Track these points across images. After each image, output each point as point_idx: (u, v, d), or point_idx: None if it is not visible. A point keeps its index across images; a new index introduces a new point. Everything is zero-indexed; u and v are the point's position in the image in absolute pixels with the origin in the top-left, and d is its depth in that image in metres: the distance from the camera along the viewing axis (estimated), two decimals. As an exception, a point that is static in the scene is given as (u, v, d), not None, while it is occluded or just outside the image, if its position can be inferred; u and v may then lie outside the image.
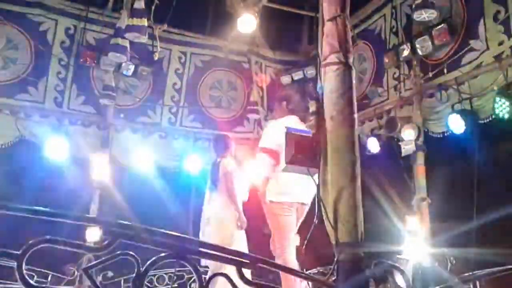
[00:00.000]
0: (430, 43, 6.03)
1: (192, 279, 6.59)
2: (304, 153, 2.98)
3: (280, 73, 8.44)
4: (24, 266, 1.95)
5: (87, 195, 7.04)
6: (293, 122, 4.15)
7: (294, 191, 4.12)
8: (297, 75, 8.15)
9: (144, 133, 7.78)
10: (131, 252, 2.12)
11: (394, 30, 7.03)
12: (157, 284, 6.67)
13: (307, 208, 4.24)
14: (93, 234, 5.69)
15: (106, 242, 2.09)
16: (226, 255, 2.22)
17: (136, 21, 6.23)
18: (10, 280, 6.13)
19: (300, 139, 3.05)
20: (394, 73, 6.98)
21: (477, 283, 3.60)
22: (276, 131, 4.01)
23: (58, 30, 7.28)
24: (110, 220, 2.13)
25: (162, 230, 2.13)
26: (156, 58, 7.07)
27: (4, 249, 2.01)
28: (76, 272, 6.22)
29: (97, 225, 2.18)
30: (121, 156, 7.56)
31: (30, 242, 1.97)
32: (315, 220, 2.81)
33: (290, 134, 3.11)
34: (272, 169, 4.09)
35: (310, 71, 7.97)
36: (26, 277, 1.94)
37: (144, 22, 6.29)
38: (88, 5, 7.35)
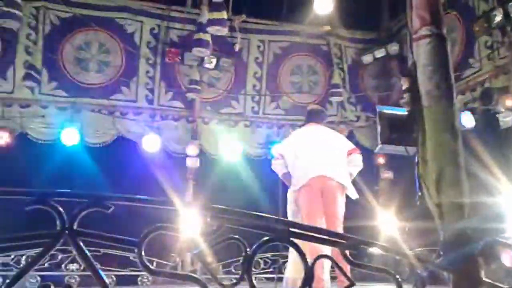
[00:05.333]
0: (526, 5, 5.58)
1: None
2: (400, 132, 2.91)
3: (361, 52, 8.24)
4: (143, 253, 2.07)
5: (182, 185, 7.41)
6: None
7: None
8: (380, 53, 7.92)
9: (230, 123, 7.99)
10: (236, 236, 2.20)
11: (483, -5, 6.58)
12: (253, 269, 6.83)
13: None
14: (188, 221, 5.97)
15: (214, 228, 2.18)
16: (330, 238, 2.23)
17: (216, 15, 6.39)
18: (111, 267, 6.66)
19: (394, 118, 2.98)
20: (486, 41, 6.53)
21: None
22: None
23: (144, 31, 7.67)
24: (217, 206, 2.21)
25: (267, 215, 2.18)
26: (237, 49, 7.19)
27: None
28: (178, 259, 6.57)
29: (205, 211, 2.25)
30: (210, 146, 7.87)
31: (147, 230, 2.07)
32: (417, 201, 2.74)
33: (383, 114, 3.04)
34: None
35: (393, 48, 7.71)
36: (147, 262, 2.06)
37: (224, 15, 6.43)
38: (169, 4, 7.67)
